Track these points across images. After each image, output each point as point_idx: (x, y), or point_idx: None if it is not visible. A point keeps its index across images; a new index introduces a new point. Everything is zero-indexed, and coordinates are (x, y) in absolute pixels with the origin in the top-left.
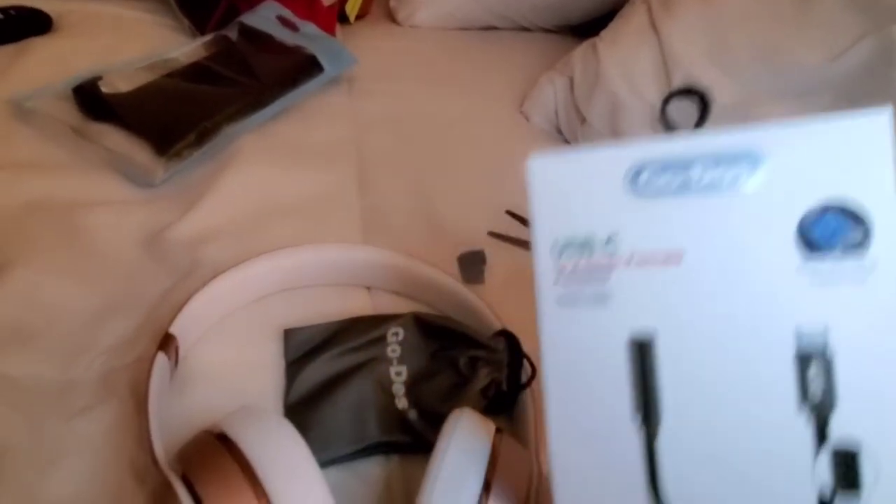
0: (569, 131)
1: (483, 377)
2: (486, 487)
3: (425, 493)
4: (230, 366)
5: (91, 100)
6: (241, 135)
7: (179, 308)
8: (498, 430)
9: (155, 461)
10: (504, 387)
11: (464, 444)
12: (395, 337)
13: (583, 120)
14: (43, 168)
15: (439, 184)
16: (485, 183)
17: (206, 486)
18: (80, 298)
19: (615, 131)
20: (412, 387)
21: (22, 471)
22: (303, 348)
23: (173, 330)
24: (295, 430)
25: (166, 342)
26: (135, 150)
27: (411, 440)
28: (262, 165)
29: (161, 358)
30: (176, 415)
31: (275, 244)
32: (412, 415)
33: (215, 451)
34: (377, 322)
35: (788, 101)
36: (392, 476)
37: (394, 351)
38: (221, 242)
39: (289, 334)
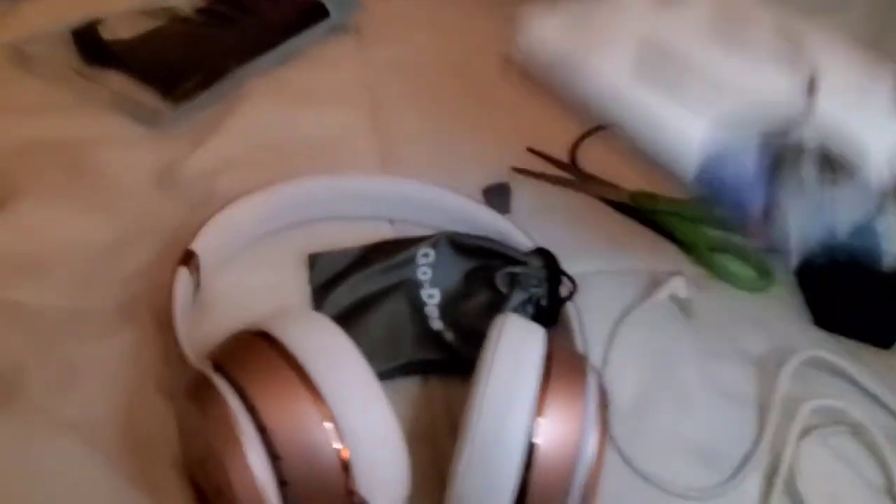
0: None
1: (521, 292)
2: (542, 398)
3: (475, 402)
4: (253, 290)
5: (91, 45)
6: (249, 78)
7: (199, 228)
8: (551, 339)
9: (185, 360)
10: (544, 302)
11: (514, 348)
12: (426, 258)
13: None
14: (46, 109)
15: (457, 125)
16: (503, 123)
17: (247, 377)
18: (92, 231)
19: None
20: (446, 308)
21: (36, 392)
22: (329, 273)
23: (194, 247)
24: (341, 330)
25: (187, 258)
26: (140, 93)
27: (449, 358)
28: (273, 105)
29: (183, 272)
30: (197, 338)
31: (294, 176)
32: (448, 335)
33: (253, 345)
34: (405, 244)
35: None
36: (433, 394)
37: (424, 273)
38: (237, 174)
39: (314, 259)
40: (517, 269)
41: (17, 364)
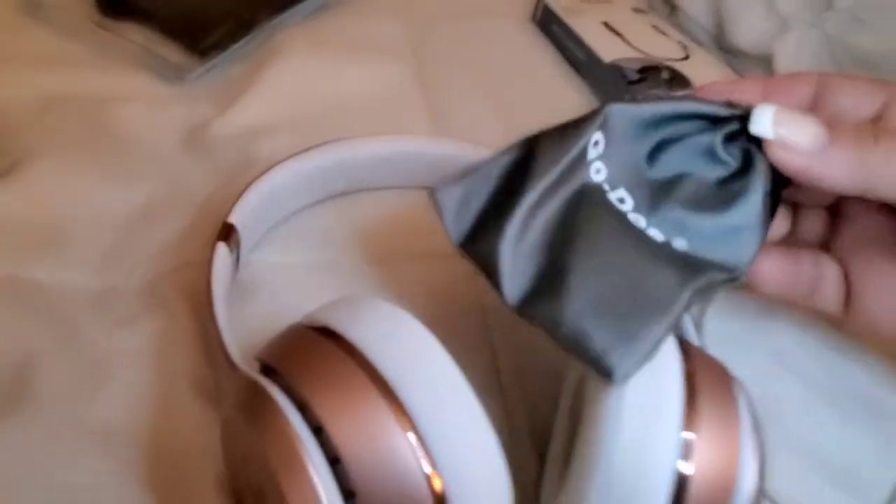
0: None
1: (763, 164)
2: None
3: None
4: (305, 269)
5: None
6: (282, 30)
7: (238, 197)
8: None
9: (231, 363)
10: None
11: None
12: (596, 149)
13: (672, 7)
14: (62, 62)
15: (512, 84)
16: (563, 80)
17: (311, 388)
18: (116, 199)
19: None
20: (651, 209)
21: (56, 390)
22: (470, 215)
23: (233, 220)
24: (422, 324)
25: (227, 232)
26: (164, 47)
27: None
28: (310, 59)
29: (222, 249)
30: (240, 329)
31: (338, 137)
32: (679, 242)
33: (316, 346)
34: (564, 136)
35: None
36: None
37: (598, 172)
38: (273, 136)
39: (439, 197)
40: (734, 128)
41: (35, 355)
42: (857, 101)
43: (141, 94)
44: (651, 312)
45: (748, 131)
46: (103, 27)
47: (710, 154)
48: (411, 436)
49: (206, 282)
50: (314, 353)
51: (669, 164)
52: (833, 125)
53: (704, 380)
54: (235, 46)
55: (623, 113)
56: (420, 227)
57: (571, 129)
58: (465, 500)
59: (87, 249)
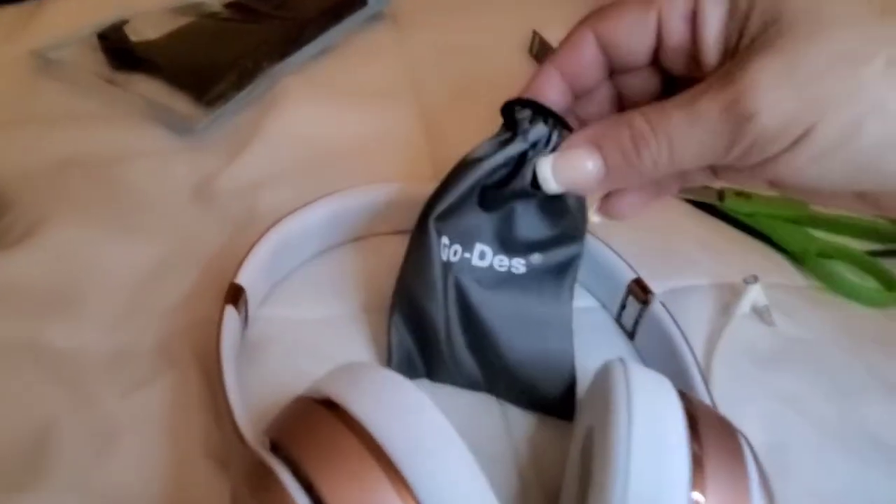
0: None
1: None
2: (698, 472)
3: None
4: (313, 324)
5: (119, 48)
6: (284, 76)
7: (244, 258)
8: (682, 394)
9: (241, 438)
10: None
11: (651, 411)
12: (448, 248)
13: None
14: (74, 120)
15: None
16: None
17: (316, 465)
18: (126, 257)
19: None
20: (505, 244)
21: (73, 455)
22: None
23: (240, 280)
24: (421, 391)
25: (234, 294)
26: (171, 98)
27: None
28: (311, 105)
29: (230, 312)
30: (250, 388)
31: (339, 188)
32: (536, 259)
33: (320, 419)
34: (419, 267)
35: None
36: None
37: (455, 254)
38: (279, 187)
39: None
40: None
41: (51, 421)
42: (633, 36)
43: (151, 149)
44: (565, 360)
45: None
46: (112, 82)
47: (524, 193)
48: None
49: (216, 346)
50: (317, 428)
51: (497, 204)
52: (601, 140)
53: (710, 436)
54: (240, 95)
55: (441, 216)
56: None
57: (422, 256)
58: None
59: (100, 311)
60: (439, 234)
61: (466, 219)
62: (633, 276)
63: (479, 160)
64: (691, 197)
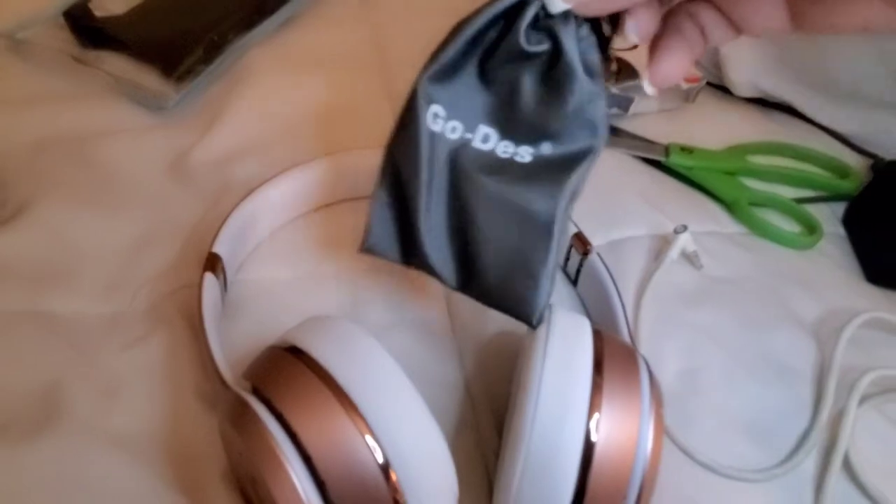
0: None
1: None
2: (596, 394)
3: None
4: (285, 284)
5: (85, 25)
6: (250, 48)
7: (219, 229)
8: (596, 332)
9: (223, 382)
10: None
11: (564, 345)
12: (439, 119)
13: None
14: (46, 101)
15: None
16: None
17: (286, 402)
18: (110, 232)
19: None
20: (512, 128)
21: (80, 406)
22: (391, 237)
23: (217, 249)
24: (373, 337)
25: (212, 262)
26: (141, 75)
27: None
28: (279, 76)
29: (209, 278)
30: (232, 341)
31: (307, 158)
32: (546, 148)
33: (288, 364)
34: (406, 136)
35: None
36: (472, 382)
37: (454, 130)
38: (250, 160)
39: (368, 238)
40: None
41: (60, 379)
42: None
43: (125, 126)
44: (537, 261)
45: (546, 10)
46: (82, 60)
47: (521, 53)
48: (368, 437)
49: (198, 308)
50: (287, 371)
51: (497, 76)
52: None
53: (614, 367)
54: (209, 69)
55: (434, 77)
56: None
57: (409, 124)
58: (414, 482)
59: (93, 280)
60: (429, 101)
61: (464, 89)
62: (574, 230)
63: (474, 16)
64: (640, 154)
